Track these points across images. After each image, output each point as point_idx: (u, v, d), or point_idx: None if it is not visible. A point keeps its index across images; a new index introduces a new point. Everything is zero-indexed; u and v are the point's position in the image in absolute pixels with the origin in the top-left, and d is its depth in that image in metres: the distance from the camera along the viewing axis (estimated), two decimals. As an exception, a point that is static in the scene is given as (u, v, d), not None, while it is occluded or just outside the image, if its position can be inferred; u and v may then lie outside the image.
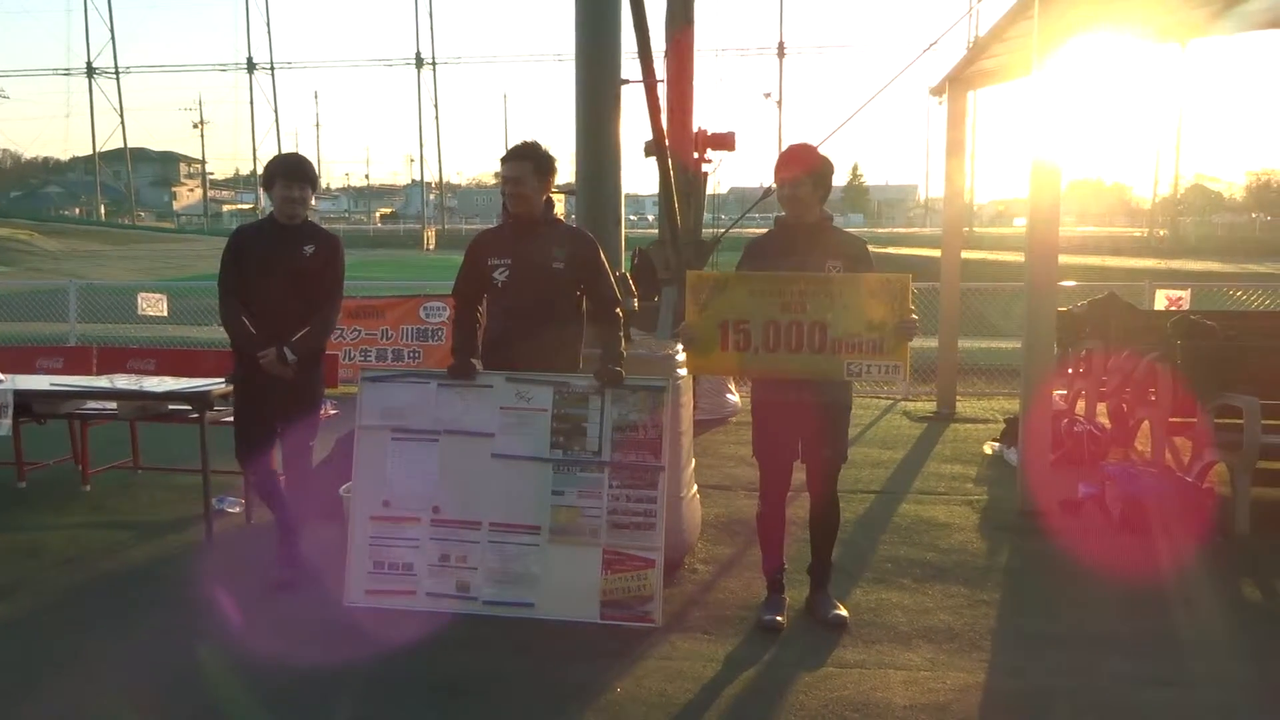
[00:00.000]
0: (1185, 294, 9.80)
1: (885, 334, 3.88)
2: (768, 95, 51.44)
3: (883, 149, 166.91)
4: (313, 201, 4.69)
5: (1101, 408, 7.52)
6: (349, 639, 3.96)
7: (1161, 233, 46.38)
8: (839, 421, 4.12)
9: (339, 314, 4.79)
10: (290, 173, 4.51)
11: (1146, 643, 3.93)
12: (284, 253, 4.49)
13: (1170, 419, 6.10)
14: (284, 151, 4.71)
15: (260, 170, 4.76)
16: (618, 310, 4.47)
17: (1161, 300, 9.64)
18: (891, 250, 30.10)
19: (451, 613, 4.13)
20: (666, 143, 8.42)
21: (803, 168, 4.03)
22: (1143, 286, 10.06)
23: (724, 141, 9.37)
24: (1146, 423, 6.58)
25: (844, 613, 4.15)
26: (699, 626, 4.09)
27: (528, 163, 4.29)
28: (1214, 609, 4.34)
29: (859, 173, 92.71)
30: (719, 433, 7.84)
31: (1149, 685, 3.57)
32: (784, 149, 4.23)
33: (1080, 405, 7.69)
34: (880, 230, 54.65)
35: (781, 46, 50.09)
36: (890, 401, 9.22)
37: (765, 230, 4.38)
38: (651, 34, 6.56)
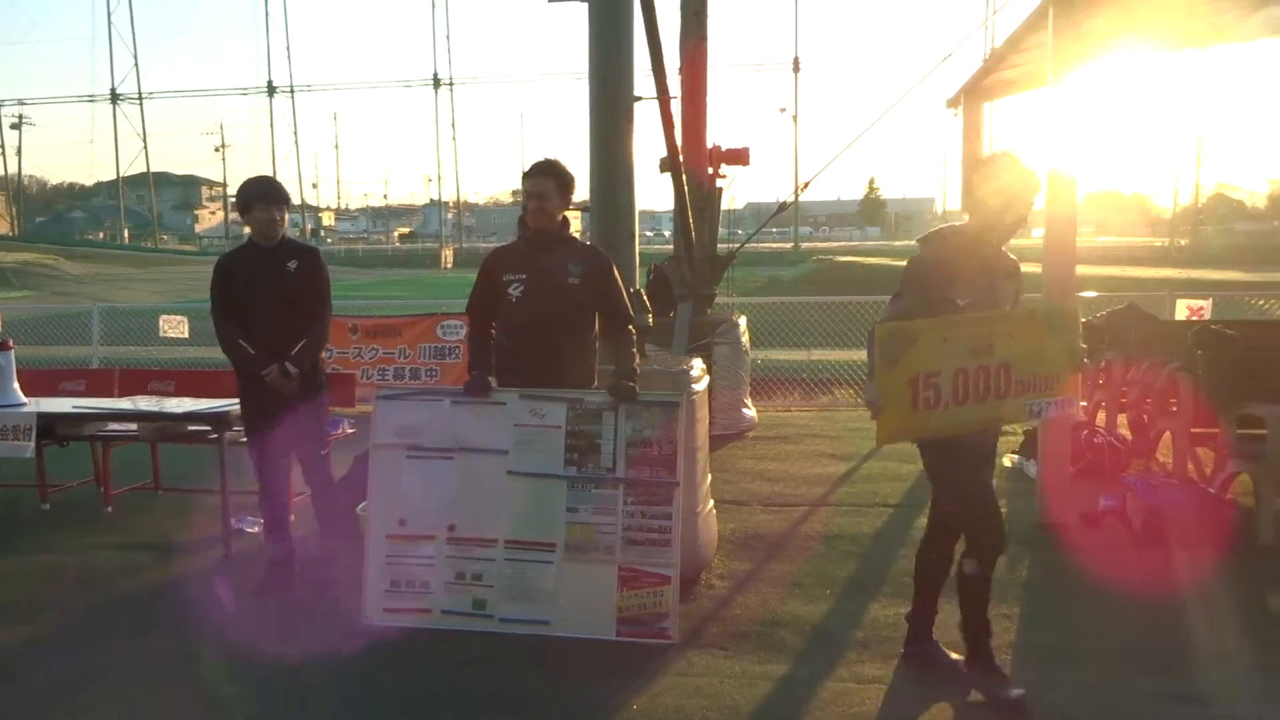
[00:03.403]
0: (1206, 303, 9.71)
1: (1058, 367, 3.56)
2: (783, 110, 51.67)
3: (900, 162, 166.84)
4: (287, 219, 4.86)
5: (1122, 419, 7.45)
6: (367, 656, 3.97)
7: (1183, 242, 46.04)
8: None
9: (330, 323, 4.94)
10: (268, 196, 4.69)
11: (1168, 657, 3.87)
12: (270, 272, 4.66)
13: (1192, 430, 6.03)
14: (255, 176, 4.87)
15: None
16: (631, 327, 4.49)
17: (1182, 310, 9.56)
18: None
19: (468, 630, 4.13)
20: (681, 159, 8.46)
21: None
22: (1163, 296, 9.99)
23: (739, 157, 9.40)
24: (1168, 434, 6.51)
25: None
26: (715, 643, 4.07)
27: (551, 179, 4.34)
28: (1237, 622, 4.27)
29: (875, 186, 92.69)
30: (736, 447, 7.83)
31: (1171, 701, 3.52)
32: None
33: (1100, 417, 7.62)
34: (897, 243, 54.48)
35: (797, 62, 50.40)
36: (909, 415, 9.16)
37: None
38: (665, 50, 6.59)
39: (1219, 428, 5.70)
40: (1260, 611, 4.45)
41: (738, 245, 10.41)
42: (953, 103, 9.27)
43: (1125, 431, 7.24)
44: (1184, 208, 50.93)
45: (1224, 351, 6.18)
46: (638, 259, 5.64)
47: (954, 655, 3.72)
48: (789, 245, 52.21)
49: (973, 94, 8.83)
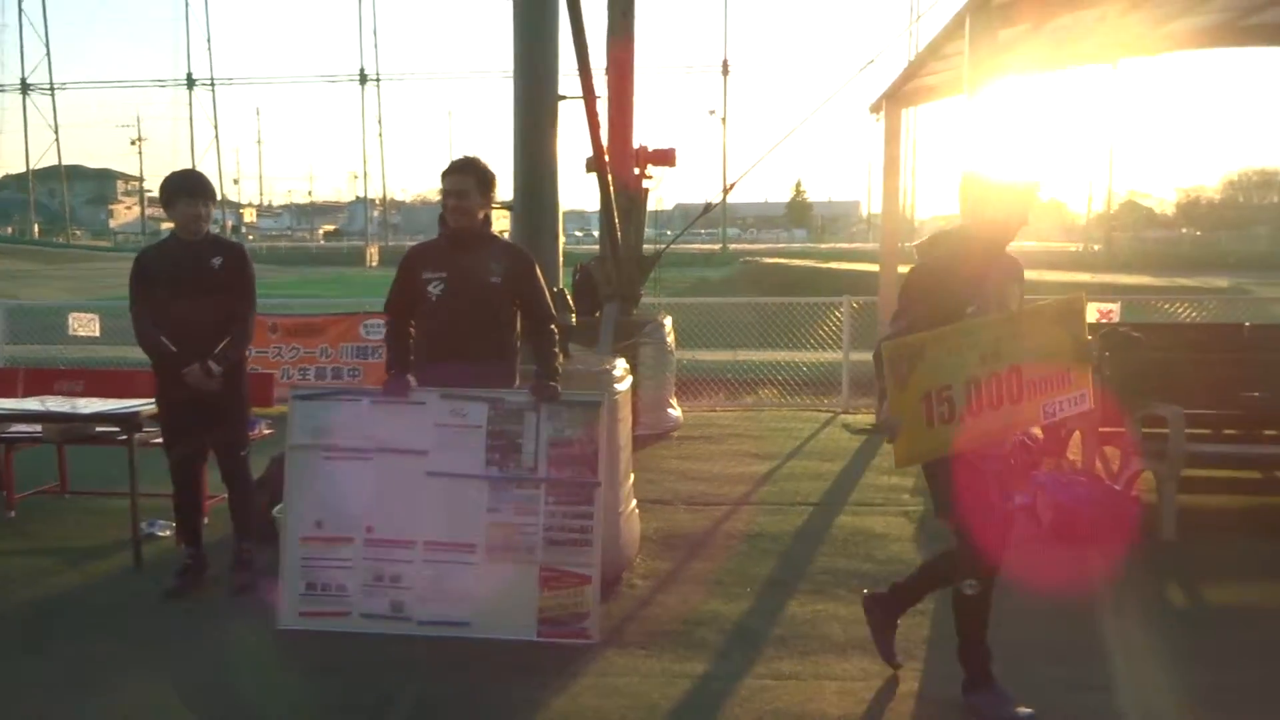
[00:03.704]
0: (1115, 307, 10.02)
1: (1069, 363, 3.44)
2: (712, 112, 52.06)
3: (827, 166, 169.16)
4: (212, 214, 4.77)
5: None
6: (282, 661, 3.89)
7: (1096, 247, 47.55)
8: None
9: (255, 321, 4.84)
10: (193, 190, 4.59)
11: (1075, 648, 4.00)
12: (193, 268, 4.54)
13: (1100, 429, 6.23)
14: (179, 170, 4.75)
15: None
16: (554, 326, 4.47)
17: (1093, 313, 9.85)
18: (834, 265, 30.53)
19: (386, 633, 4.07)
20: (607, 159, 8.46)
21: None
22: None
23: (665, 158, 9.43)
24: (1078, 433, 6.72)
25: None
26: (636, 642, 4.08)
27: (470, 177, 4.29)
28: (1142, 614, 4.43)
29: (803, 189, 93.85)
30: (661, 447, 7.86)
31: (1078, 690, 3.63)
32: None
33: (1015, 416, 7.82)
34: (823, 245, 55.28)
35: (726, 65, 50.75)
36: (830, 414, 9.31)
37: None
38: (592, 50, 6.58)
39: (1125, 427, 5.89)
40: (1161, 603, 4.63)
41: (664, 246, 10.45)
42: (875, 108, 9.45)
43: (1038, 431, 7.45)
44: (1097, 214, 52.63)
45: (1130, 353, 6.39)
46: (561, 258, 5.62)
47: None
48: (717, 246, 52.54)
49: (894, 99, 9.01)
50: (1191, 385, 6.01)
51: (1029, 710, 3.37)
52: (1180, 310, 12.10)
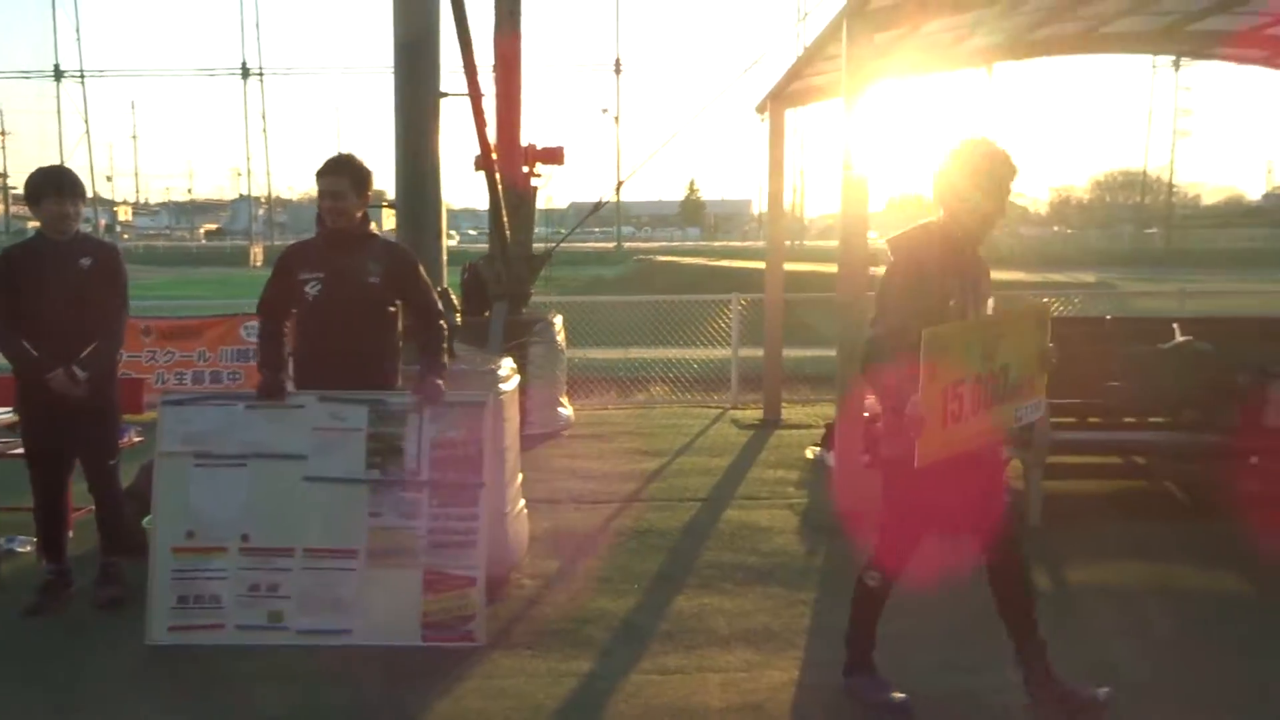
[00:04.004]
0: (990, 302, 10.40)
1: (1036, 369, 3.40)
2: (605, 111, 51.97)
3: (720, 164, 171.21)
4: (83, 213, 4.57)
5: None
6: (152, 679, 3.75)
7: (976, 245, 49.27)
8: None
9: (126, 325, 4.64)
10: (62, 187, 4.36)
11: (947, 632, 4.15)
12: (61, 269, 4.33)
13: (973, 419, 6.46)
14: (46, 165, 4.51)
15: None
16: (441, 322, 4.41)
17: (968, 308, 10.21)
18: (726, 263, 30.94)
19: (264, 645, 3.96)
20: (494, 156, 8.40)
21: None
22: (952, 295, 10.64)
23: (553, 156, 9.41)
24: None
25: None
26: (523, 642, 4.07)
27: (345, 177, 4.20)
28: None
29: (696, 188, 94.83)
30: (551, 446, 7.84)
31: (949, 673, 3.78)
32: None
33: (896, 409, 8.06)
34: (716, 244, 55.95)
35: (618, 63, 50.70)
36: (719, 410, 9.43)
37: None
38: (479, 47, 6.53)
39: (996, 417, 6.13)
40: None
41: (554, 245, 10.43)
42: (760, 108, 9.59)
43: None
44: (977, 213, 54.39)
45: (1000, 346, 6.65)
46: (446, 256, 5.57)
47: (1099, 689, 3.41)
48: (612, 245, 52.65)
49: (778, 100, 9.16)
50: (1057, 376, 6.27)
51: (903, 696, 3.49)
52: (1052, 305, 12.66)
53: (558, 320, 8.92)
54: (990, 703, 3.54)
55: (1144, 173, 58.56)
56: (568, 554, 5.18)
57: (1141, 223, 58.14)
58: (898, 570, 3.48)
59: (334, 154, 4.26)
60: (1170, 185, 57.81)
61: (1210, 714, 3.49)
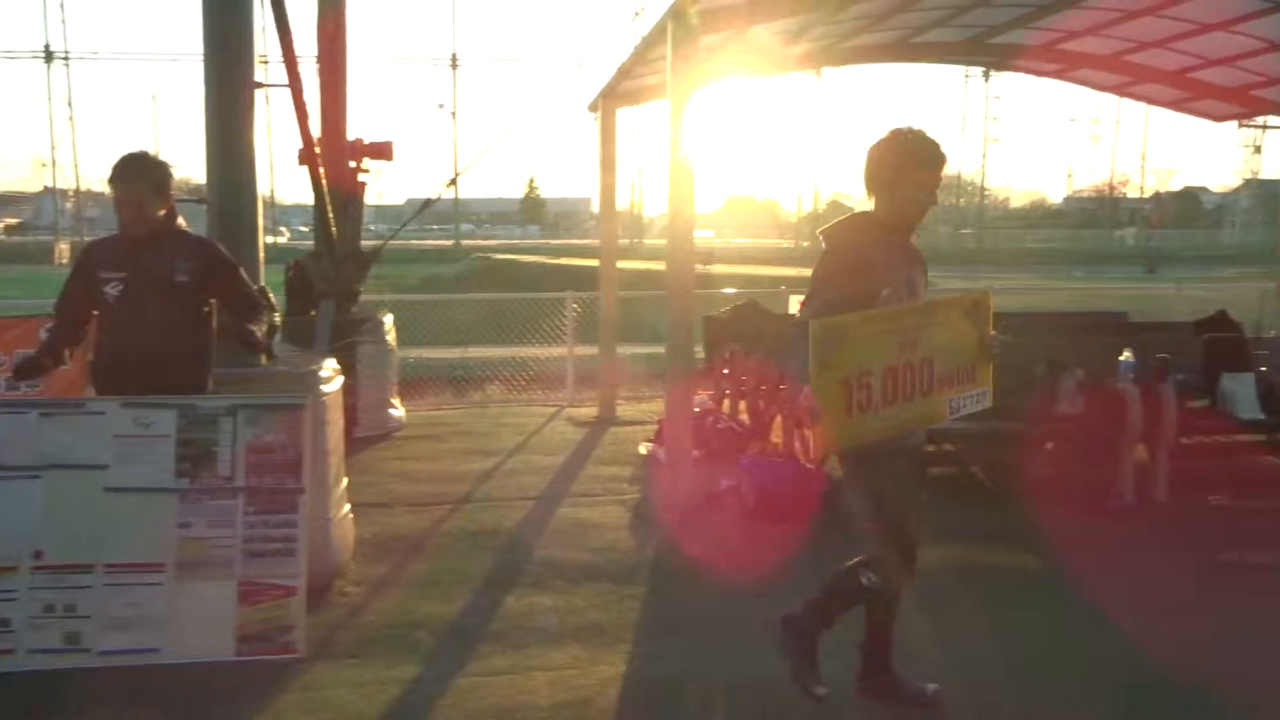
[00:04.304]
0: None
1: (974, 358, 3.35)
2: (441, 106, 51.06)
3: (560, 162, 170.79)
4: None
5: (745, 405, 8.13)
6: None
7: (805, 244, 51.08)
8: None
9: None
10: None
11: (772, 621, 4.28)
12: None
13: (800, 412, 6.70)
14: None
15: None
16: (262, 303, 4.24)
17: (795, 305, 10.57)
18: (565, 261, 30.97)
19: (61, 669, 3.70)
20: (318, 151, 8.13)
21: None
22: (780, 292, 10.99)
23: (382, 151, 9.17)
24: (780, 417, 7.20)
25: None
26: (346, 651, 3.96)
27: (144, 184, 3.95)
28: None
29: (535, 185, 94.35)
30: (382, 448, 7.65)
31: (768, 659, 3.89)
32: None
33: (727, 404, 8.27)
34: (555, 242, 55.89)
35: (455, 58, 49.90)
36: (556, 409, 9.43)
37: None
38: (302, 38, 6.30)
39: (818, 410, 6.37)
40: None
41: (383, 242, 10.18)
42: (593, 107, 9.64)
43: (746, 417, 7.92)
44: (807, 213, 56.49)
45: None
46: (262, 253, 5.32)
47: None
48: (450, 242, 51.79)
49: (610, 98, 9.22)
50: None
51: (934, 686, 3.48)
52: (989, 291, 13.21)
53: (388, 319, 8.71)
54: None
55: (959, 176, 62.05)
56: (395, 559, 5.07)
57: (957, 223, 61.63)
58: (900, 587, 3.37)
59: (123, 155, 3.99)
60: (982, 189, 61.65)
61: (988, 675, 3.73)
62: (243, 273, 4.25)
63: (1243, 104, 9.54)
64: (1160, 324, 8.39)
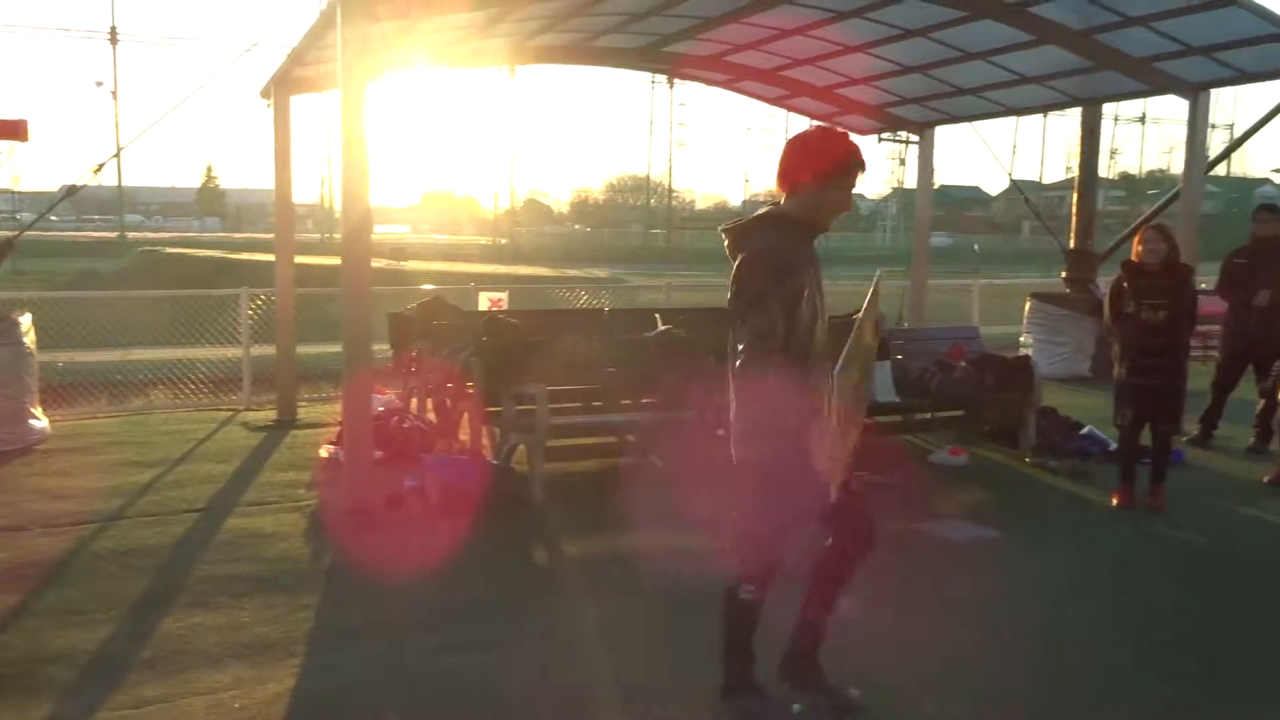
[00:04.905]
0: (504, 296, 10.83)
1: (872, 342, 3.38)
2: (100, 84, 46.16)
3: (242, 151, 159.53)
4: None
5: (431, 403, 8.00)
6: None
7: (503, 241, 51.30)
8: None
9: None
10: None
11: (455, 616, 4.26)
12: None
13: (485, 409, 6.70)
14: None
15: None
16: None
17: (485, 302, 10.54)
18: (247, 256, 29.13)
19: None
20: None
21: None
22: (469, 289, 10.94)
23: (14, 131, 8.14)
24: (467, 414, 7.15)
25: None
26: (-40, 697, 3.47)
27: None
28: (513, 575, 4.86)
29: (214, 174, 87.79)
30: (20, 464, 6.79)
31: (454, 654, 3.88)
32: None
33: (414, 403, 8.11)
34: (239, 236, 52.38)
35: (114, 32, 45.26)
36: (230, 413, 8.81)
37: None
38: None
39: (502, 406, 6.40)
40: (530, 563, 5.13)
41: (16, 234, 9.06)
42: (264, 93, 9.09)
43: (433, 415, 7.80)
44: (504, 211, 56.73)
45: (504, 338, 6.99)
46: None
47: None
48: (114, 235, 46.98)
49: (282, 85, 8.74)
50: (561, 364, 6.74)
51: (799, 706, 3.33)
52: (570, 297, 13.51)
53: (25, 319, 7.74)
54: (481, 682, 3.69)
55: (648, 178, 64.89)
56: (30, 587, 4.52)
57: (647, 223, 64.46)
58: (768, 577, 3.23)
59: None
60: (670, 190, 64.80)
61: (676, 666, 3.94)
62: None
63: (881, 120, 10.67)
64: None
